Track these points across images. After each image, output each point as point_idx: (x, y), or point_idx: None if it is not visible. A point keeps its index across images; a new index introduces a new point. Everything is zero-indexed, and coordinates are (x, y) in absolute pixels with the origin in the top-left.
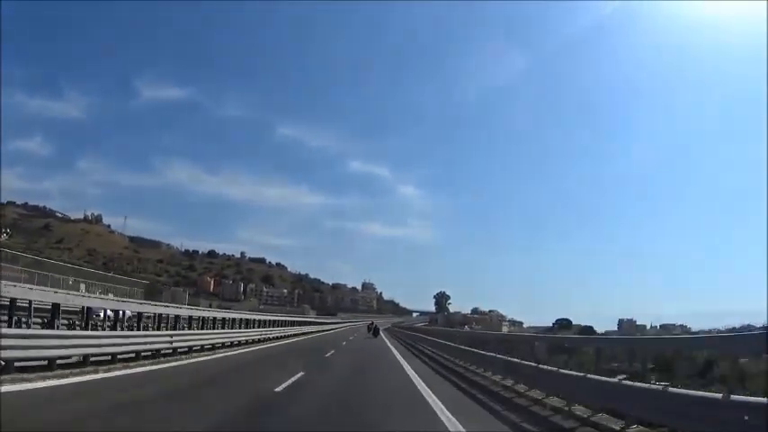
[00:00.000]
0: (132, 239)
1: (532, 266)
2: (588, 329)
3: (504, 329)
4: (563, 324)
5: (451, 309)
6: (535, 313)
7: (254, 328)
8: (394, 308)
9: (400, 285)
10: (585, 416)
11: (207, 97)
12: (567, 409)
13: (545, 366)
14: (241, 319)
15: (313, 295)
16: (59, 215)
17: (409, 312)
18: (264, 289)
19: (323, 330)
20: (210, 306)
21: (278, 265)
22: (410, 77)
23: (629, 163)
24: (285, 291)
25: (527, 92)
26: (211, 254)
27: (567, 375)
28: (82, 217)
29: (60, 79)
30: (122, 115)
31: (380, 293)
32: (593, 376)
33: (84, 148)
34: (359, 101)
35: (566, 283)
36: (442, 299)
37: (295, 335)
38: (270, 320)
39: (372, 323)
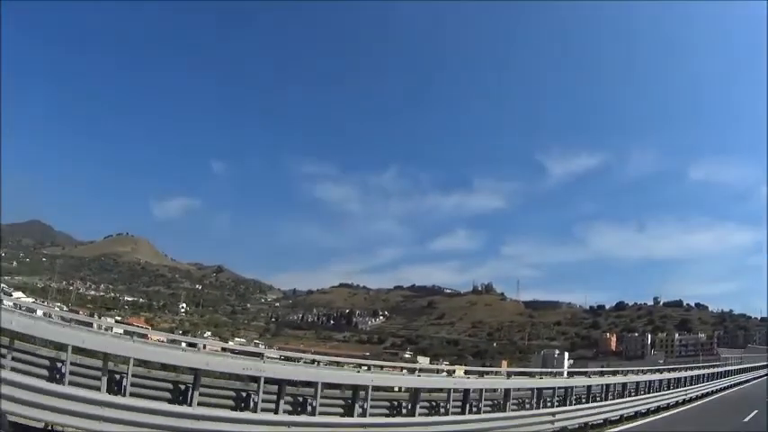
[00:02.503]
0: (528, 304)
1: None
2: None
3: None
4: None
5: None
6: None
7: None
8: None
9: None
10: None
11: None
12: None
13: None
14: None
15: (736, 334)
16: (448, 291)
17: None
18: (677, 336)
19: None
20: (606, 367)
21: (697, 305)
22: None
23: None
24: (702, 335)
25: None
26: (619, 306)
27: None
28: (471, 290)
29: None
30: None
31: None
32: None
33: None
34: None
35: None
36: None
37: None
38: (650, 381)
39: None
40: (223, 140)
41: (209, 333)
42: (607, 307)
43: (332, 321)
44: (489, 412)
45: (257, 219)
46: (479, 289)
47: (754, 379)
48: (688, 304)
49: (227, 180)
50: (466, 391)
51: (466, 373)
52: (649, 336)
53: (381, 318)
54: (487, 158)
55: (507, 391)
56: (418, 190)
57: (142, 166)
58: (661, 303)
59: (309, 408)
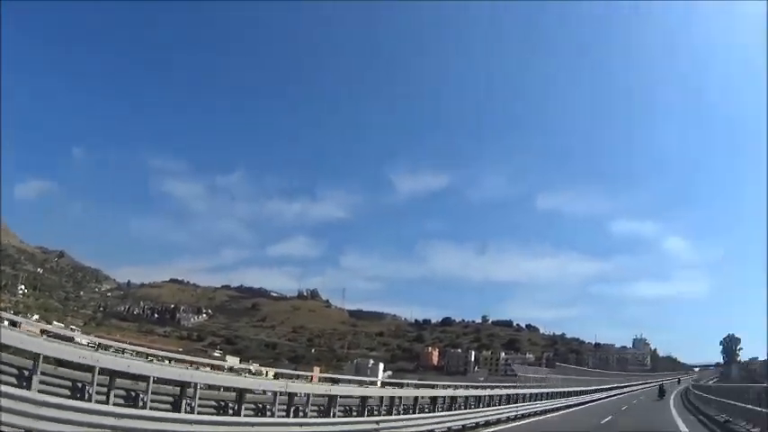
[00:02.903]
0: (352, 313)
1: None
2: None
3: None
4: None
5: (743, 355)
6: None
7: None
8: (672, 364)
9: (676, 341)
10: None
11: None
12: None
13: None
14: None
15: (568, 356)
16: (274, 294)
17: (688, 367)
18: (503, 355)
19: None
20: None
21: (528, 327)
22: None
23: None
24: (531, 356)
25: None
26: (446, 321)
27: None
28: (296, 295)
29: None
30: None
31: (654, 349)
32: None
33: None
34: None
35: None
36: (730, 344)
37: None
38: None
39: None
40: (85, 126)
41: (36, 316)
42: (433, 322)
43: (156, 315)
44: (315, 417)
45: (107, 208)
46: (305, 294)
47: (577, 405)
48: (518, 325)
49: (85, 167)
50: (291, 395)
51: (275, 375)
52: (473, 353)
53: (204, 315)
54: (334, 169)
55: (333, 397)
56: (263, 194)
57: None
58: (490, 322)
59: (141, 402)
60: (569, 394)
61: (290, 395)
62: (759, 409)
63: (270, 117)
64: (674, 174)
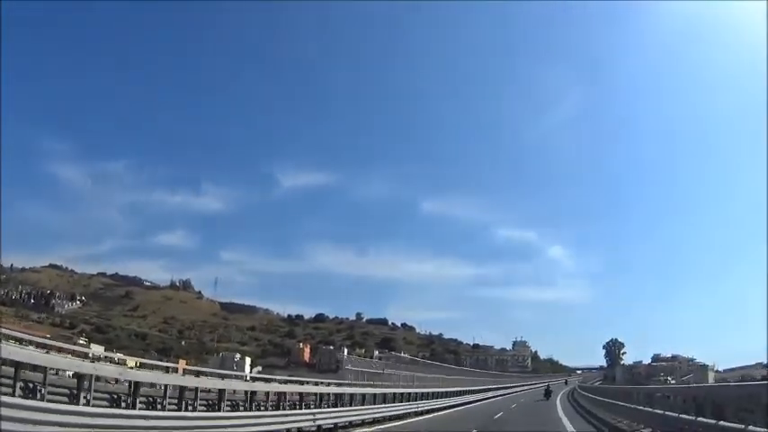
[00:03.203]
0: (224, 306)
1: (715, 301)
2: None
3: (711, 378)
4: None
5: (626, 359)
6: (721, 353)
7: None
8: (553, 366)
9: (558, 344)
10: None
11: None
12: None
13: None
14: None
15: (445, 356)
16: (147, 283)
17: (570, 370)
18: (376, 353)
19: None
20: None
21: (404, 326)
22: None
23: None
24: (405, 354)
25: None
26: (318, 318)
27: None
28: (169, 284)
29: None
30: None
31: (535, 352)
32: None
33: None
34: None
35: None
36: (614, 348)
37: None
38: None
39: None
40: None
41: None
42: (306, 318)
43: (33, 301)
44: (204, 411)
45: None
46: (177, 285)
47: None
48: (393, 323)
49: None
50: (182, 389)
51: (137, 366)
52: (346, 350)
53: (78, 303)
54: (219, 163)
55: (222, 391)
56: (148, 184)
57: None
58: (364, 320)
59: (39, 394)
60: (445, 395)
61: (182, 389)
62: (651, 409)
63: (159, 107)
64: (561, 188)
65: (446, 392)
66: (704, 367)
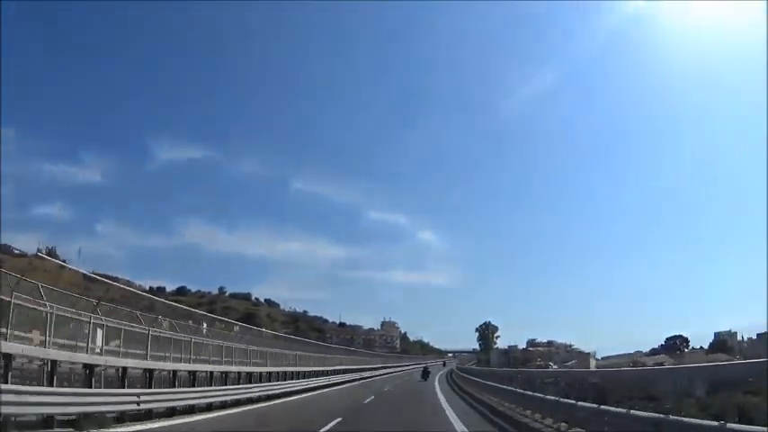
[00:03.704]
0: (87, 277)
1: (584, 290)
2: None
3: (593, 364)
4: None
5: (500, 343)
6: (594, 341)
7: None
8: (423, 348)
9: (429, 327)
10: None
11: (223, 155)
12: None
13: None
14: None
15: (309, 334)
16: (16, 251)
17: (443, 352)
18: (236, 329)
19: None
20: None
21: (267, 302)
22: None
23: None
24: (266, 331)
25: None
26: (180, 291)
27: None
28: (35, 252)
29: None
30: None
31: (405, 333)
32: None
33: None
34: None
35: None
36: (486, 331)
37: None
38: None
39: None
40: None
41: None
42: (168, 290)
43: None
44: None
45: None
46: (41, 253)
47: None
48: (257, 299)
49: None
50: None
51: None
52: (205, 324)
53: None
54: (95, 133)
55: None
56: (22, 153)
57: None
58: (227, 294)
59: None
60: (305, 375)
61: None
62: (531, 393)
63: (41, 75)
64: (437, 174)
65: (314, 372)
66: (585, 354)
